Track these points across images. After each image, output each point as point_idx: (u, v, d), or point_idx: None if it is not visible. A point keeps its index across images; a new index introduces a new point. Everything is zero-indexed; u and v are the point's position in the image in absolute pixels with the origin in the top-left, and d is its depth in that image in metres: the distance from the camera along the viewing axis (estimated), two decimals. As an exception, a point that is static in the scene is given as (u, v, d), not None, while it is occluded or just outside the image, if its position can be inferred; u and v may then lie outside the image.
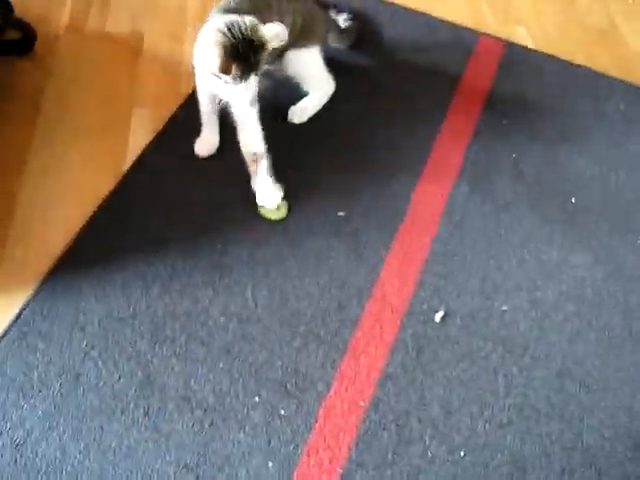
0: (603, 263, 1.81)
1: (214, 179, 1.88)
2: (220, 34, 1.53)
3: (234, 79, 1.56)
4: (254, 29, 1.55)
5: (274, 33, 1.57)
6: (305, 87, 2.01)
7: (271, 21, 1.59)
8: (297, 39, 1.84)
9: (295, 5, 1.83)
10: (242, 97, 1.66)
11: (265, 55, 1.59)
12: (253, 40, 1.55)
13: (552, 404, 1.57)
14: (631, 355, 1.66)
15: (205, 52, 1.57)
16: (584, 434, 1.53)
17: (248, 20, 1.56)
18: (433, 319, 1.66)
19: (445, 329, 1.65)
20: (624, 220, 1.91)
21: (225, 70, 1.53)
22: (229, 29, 1.54)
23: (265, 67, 1.65)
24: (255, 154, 1.77)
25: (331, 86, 2.05)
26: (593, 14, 2.55)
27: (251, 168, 1.79)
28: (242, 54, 1.54)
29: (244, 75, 1.57)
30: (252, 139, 1.77)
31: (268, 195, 1.80)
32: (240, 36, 1.54)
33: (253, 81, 1.61)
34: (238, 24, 1.54)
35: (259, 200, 1.81)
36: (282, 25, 1.58)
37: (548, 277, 1.77)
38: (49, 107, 2.01)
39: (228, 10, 1.64)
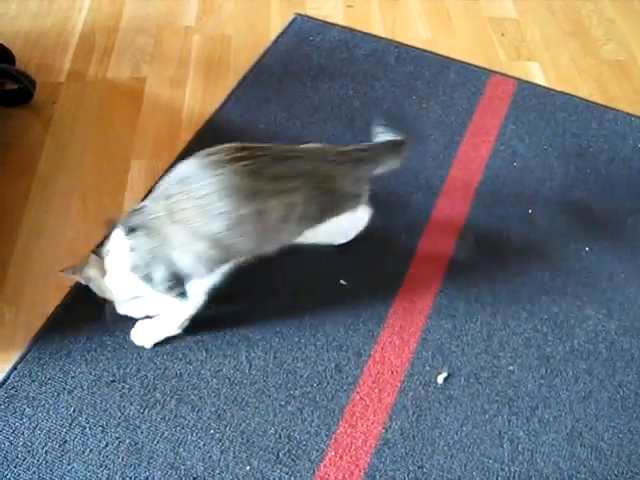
0: (617, 317, 1.73)
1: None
2: None
3: None
4: None
5: None
6: None
7: None
8: None
9: None
10: None
11: None
12: None
13: (561, 471, 1.48)
14: (646, 417, 1.58)
15: None
16: (595, 504, 1.45)
17: None
18: (435, 380, 1.59)
19: (447, 391, 1.57)
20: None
21: None
22: None
23: None
24: None
25: None
26: (609, 45, 2.48)
27: None
28: None
29: None
30: None
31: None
32: None
33: None
34: None
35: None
36: None
37: (559, 331, 1.69)
38: (48, 159, 1.98)
39: None
